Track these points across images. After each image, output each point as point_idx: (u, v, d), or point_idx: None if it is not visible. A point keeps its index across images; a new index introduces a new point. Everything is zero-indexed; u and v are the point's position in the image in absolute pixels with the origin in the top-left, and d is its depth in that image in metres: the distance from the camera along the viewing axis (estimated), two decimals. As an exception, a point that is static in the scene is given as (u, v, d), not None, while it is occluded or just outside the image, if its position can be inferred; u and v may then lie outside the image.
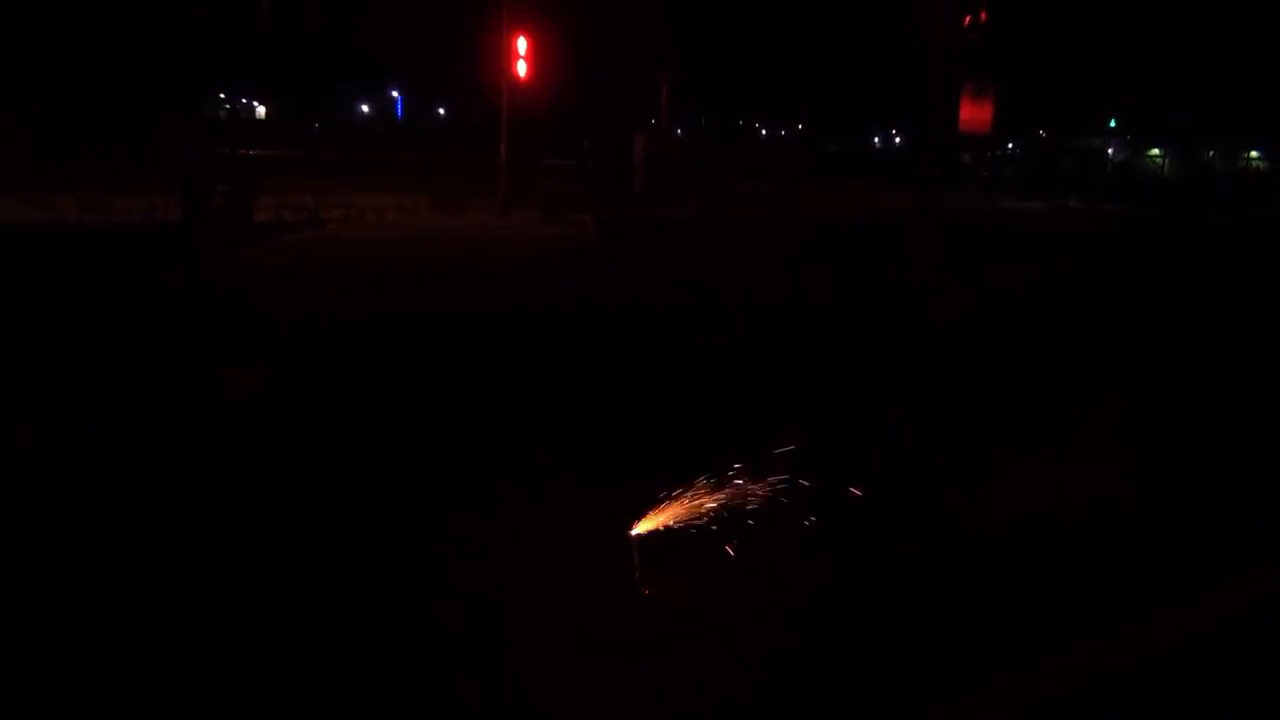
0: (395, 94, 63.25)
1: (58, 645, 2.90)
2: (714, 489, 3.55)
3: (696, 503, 3.51)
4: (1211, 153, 50.87)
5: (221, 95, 52.44)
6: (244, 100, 55.31)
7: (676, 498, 3.51)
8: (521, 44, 17.94)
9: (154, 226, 12.12)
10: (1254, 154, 52.52)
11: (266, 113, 51.77)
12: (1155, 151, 55.47)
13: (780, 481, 3.63)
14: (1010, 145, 52.42)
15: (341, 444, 4.75)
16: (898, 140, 68.18)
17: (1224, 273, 13.75)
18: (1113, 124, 47.58)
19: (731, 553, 3.41)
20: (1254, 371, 7.27)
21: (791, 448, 3.78)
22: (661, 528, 3.42)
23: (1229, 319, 9.66)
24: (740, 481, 3.59)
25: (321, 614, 3.12)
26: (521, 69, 18.03)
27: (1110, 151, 51.03)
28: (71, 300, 7.77)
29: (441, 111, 59.06)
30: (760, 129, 67.54)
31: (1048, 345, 7.85)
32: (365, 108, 65.85)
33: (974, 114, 15.69)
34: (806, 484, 3.66)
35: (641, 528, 3.40)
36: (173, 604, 3.13)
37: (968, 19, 10.92)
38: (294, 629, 3.03)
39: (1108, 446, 5.15)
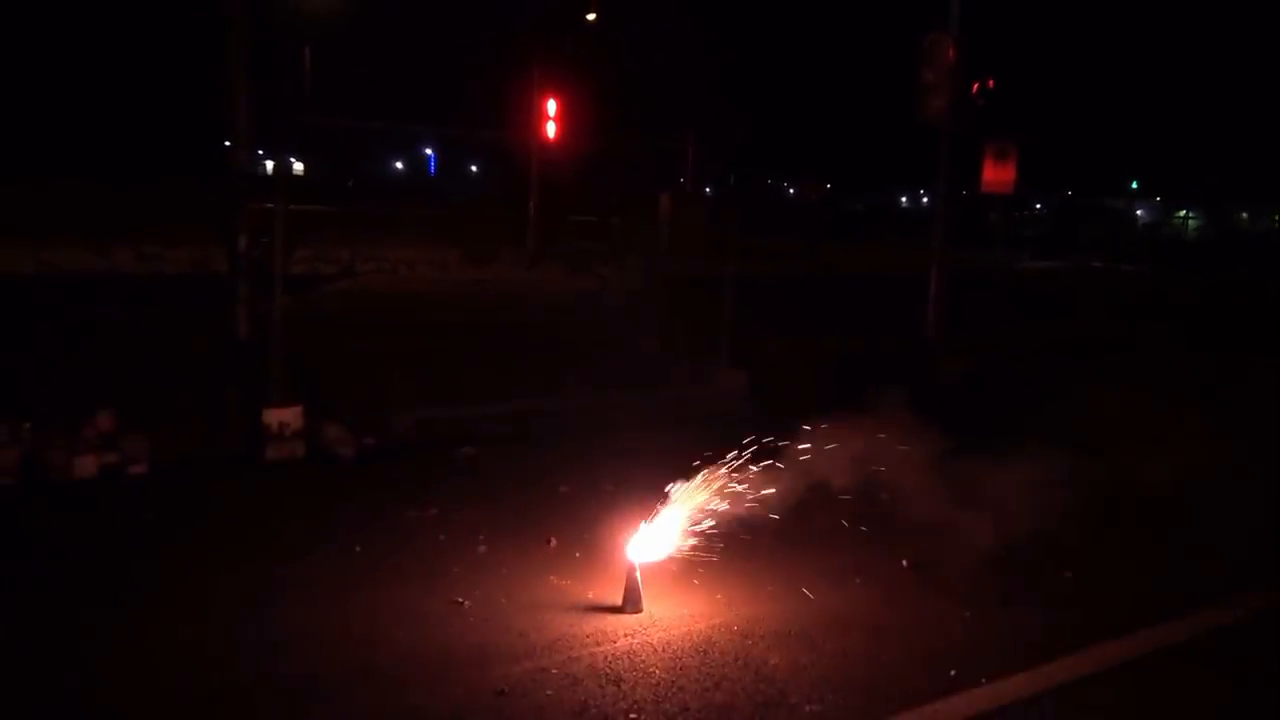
0: (428, 151, 64.61)
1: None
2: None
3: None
4: (1242, 215, 50.97)
5: (260, 152, 53.82)
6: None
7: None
8: (551, 106, 18.68)
9: (200, 276, 12.73)
10: (1282, 217, 52.43)
11: (303, 169, 53.10)
12: (1182, 213, 55.48)
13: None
14: (1039, 205, 52.74)
15: (371, 474, 5.25)
16: (925, 200, 68.59)
17: (1227, 337, 13.85)
18: (1134, 185, 47.88)
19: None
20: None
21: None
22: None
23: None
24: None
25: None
26: (551, 130, 18.77)
27: (1140, 213, 51.30)
28: (122, 343, 8.31)
29: (474, 169, 60.23)
30: (788, 188, 68.27)
31: (1031, 407, 8.16)
32: (399, 164, 67.27)
33: (997, 174, 15.94)
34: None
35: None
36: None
37: (975, 85, 11.30)
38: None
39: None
